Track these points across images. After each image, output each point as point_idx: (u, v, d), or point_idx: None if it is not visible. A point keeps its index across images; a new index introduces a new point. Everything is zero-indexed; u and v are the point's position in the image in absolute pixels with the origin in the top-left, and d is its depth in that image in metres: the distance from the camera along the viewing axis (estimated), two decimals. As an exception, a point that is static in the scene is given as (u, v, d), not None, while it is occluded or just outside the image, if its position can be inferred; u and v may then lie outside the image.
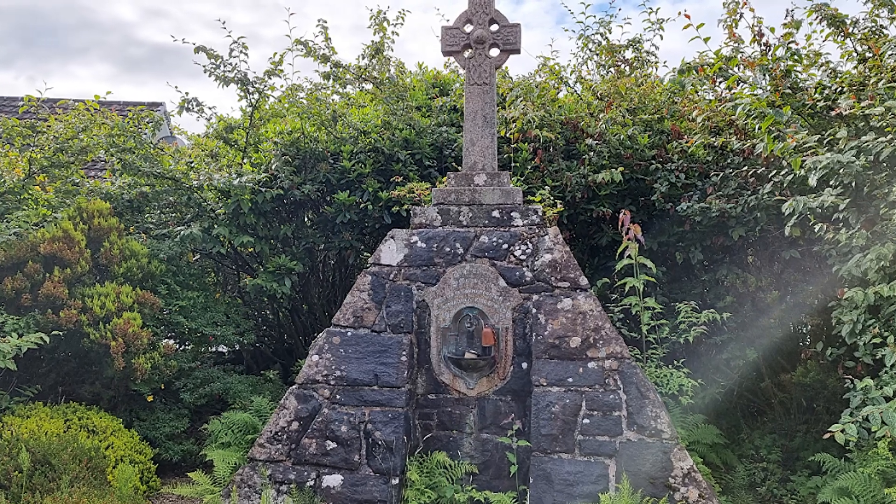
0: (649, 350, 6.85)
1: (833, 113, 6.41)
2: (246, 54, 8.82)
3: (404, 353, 6.22)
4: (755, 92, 6.61)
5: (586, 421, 5.85)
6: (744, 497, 6.63)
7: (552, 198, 7.46)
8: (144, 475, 6.54)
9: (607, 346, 6.01)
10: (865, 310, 5.75)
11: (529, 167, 8.32)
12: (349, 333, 6.38)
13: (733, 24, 7.48)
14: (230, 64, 8.79)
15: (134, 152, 8.48)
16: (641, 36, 9.92)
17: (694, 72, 7.23)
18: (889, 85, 6.07)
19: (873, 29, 6.97)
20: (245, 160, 9.24)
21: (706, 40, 7.06)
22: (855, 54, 7.03)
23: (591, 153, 8.20)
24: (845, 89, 6.57)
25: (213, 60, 8.74)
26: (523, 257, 6.35)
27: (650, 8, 9.62)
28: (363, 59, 9.76)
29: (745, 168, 7.57)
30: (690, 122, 8.33)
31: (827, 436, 5.21)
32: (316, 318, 9.91)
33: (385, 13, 9.44)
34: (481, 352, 6.26)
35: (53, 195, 8.35)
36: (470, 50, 6.83)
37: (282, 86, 9.81)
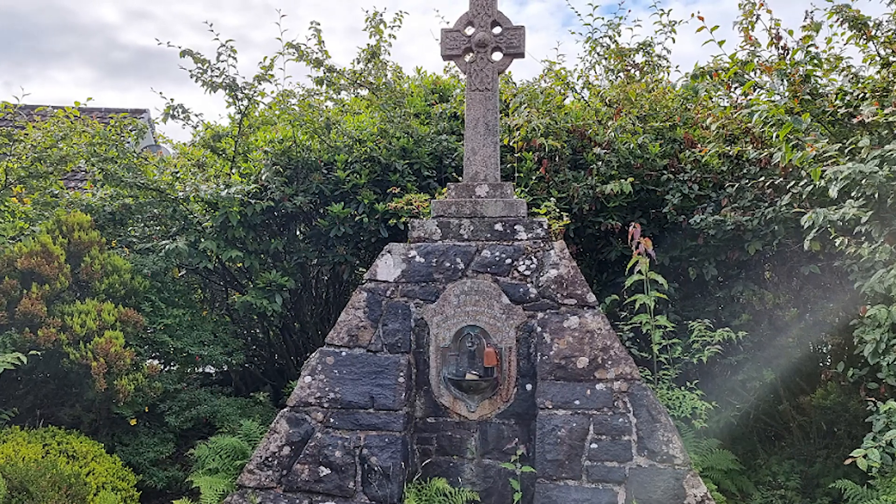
0: (661, 371, 6.87)
1: (855, 120, 6.46)
2: (235, 58, 8.91)
3: (402, 374, 6.25)
4: (773, 98, 6.67)
5: (594, 446, 5.88)
6: (762, 527, 6.65)
7: (558, 210, 7.50)
8: (127, 503, 6.55)
9: (616, 366, 6.04)
10: (889, 328, 5.79)
11: (534, 178, 8.37)
12: (344, 353, 6.41)
13: (749, 27, 7.53)
14: (218, 68, 8.87)
15: (116, 162, 8.53)
16: (652, 39, 10.00)
17: (708, 77, 7.29)
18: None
19: (897, 32, 7.04)
20: (234, 170, 9.29)
21: (721, 44, 7.14)
22: (878, 58, 7.07)
23: (600, 163, 8.25)
24: (868, 95, 6.63)
25: (199, 65, 8.83)
26: (527, 273, 6.39)
27: (661, 9, 9.68)
28: (358, 63, 9.84)
29: (762, 178, 7.61)
30: (704, 129, 8.38)
31: (848, 461, 5.24)
32: (308, 337, 9.94)
33: (381, 15, 9.52)
34: (483, 373, 6.29)
35: (31, 207, 8.40)
36: (471, 54, 6.90)
37: (272, 92, 9.92)
